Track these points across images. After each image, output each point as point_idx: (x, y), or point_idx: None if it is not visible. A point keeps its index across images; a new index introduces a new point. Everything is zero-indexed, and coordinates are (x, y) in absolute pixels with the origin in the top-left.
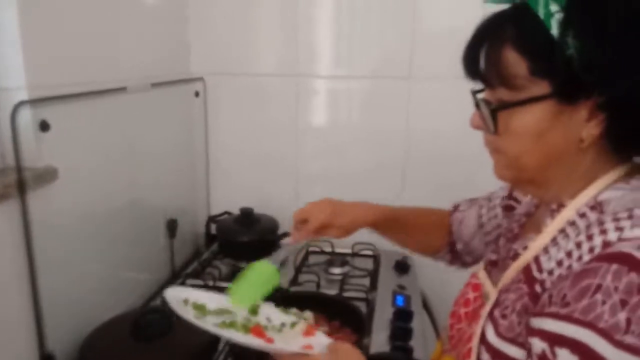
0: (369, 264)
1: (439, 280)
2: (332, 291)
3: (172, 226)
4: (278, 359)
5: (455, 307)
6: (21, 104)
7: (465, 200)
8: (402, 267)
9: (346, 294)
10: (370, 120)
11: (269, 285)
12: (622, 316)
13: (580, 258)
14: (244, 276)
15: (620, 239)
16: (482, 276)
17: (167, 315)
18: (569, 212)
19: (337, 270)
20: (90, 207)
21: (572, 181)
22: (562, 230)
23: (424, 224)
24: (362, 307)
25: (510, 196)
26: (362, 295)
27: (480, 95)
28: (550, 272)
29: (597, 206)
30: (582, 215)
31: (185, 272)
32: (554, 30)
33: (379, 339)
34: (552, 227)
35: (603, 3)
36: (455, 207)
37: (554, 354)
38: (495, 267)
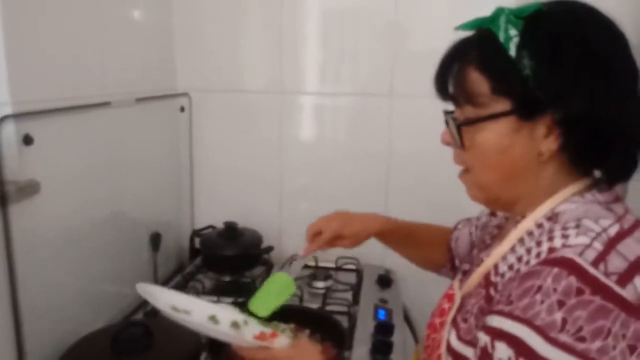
0: (352, 278)
1: (421, 294)
2: (315, 305)
3: (155, 240)
4: (239, 352)
5: (432, 318)
6: (5, 118)
7: (463, 219)
8: (384, 281)
9: (328, 308)
10: (354, 138)
11: (285, 294)
12: (558, 316)
13: (528, 262)
14: (263, 287)
15: (564, 245)
16: (456, 286)
17: (148, 329)
18: (528, 223)
19: (320, 284)
20: (73, 221)
21: (536, 194)
22: (521, 239)
23: (428, 238)
24: (344, 320)
25: (491, 213)
26: (344, 309)
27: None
28: (503, 275)
29: (553, 217)
30: (539, 226)
31: (168, 285)
32: (512, 52)
33: (360, 353)
34: (512, 236)
35: (554, 27)
36: (455, 226)
37: (493, 347)
38: (467, 276)
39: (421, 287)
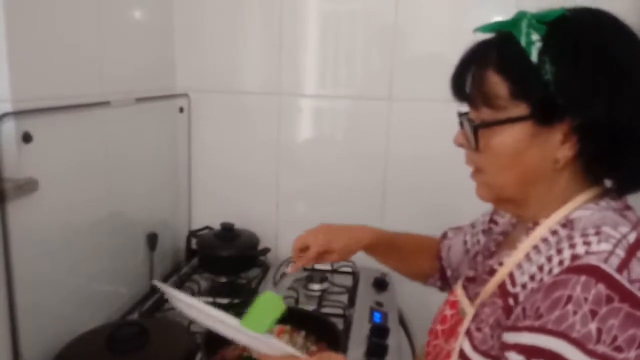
0: (348, 281)
1: (417, 297)
2: (311, 307)
3: (152, 240)
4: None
5: (433, 324)
6: (4, 115)
7: (452, 228)
8: (380, 284)
9: (324, 310)
10: (352, 140)
11: (277, 314)
12: (593, 326)
13: (550, 271)
14: (253, 307)
15: (587, 252)
16: (459, 293)
17: (143, 329)
18: (542, 230)
19: (316, 286)
20: (70, 219)
21: (549, 201)
22: (535, 247)
23: (416, 249)
24: (340, 323)
25: (491, 220)
26: (339, 311)
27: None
28: (524, 286)
29: (567, 224)
30: (554, 233)
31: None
32: (534, 57)
33: (355, 355)
34: (526, 243)
35: (577, 33)
36: (444, 235)
37: None
38: (472, 283)
39: (416, 291)
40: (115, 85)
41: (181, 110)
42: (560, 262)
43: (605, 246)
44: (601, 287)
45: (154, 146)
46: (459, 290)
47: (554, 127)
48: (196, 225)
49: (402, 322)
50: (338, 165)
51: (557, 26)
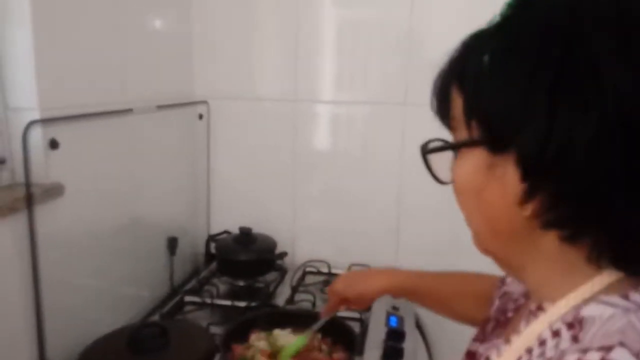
0: None
1: None
2: None
3: (172, 244)
4: None
5: None
6: (33, 123)
7: None
8: None
9: (341, 314)
10: (368, 146)
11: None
12: None
13: None
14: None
15: None
16: None
17: (164, 330)
18: (541, 325)
19: None
20: (94, 224)
21: (545, 273)
22: (529, 351)
23: (461, 293)
24: (356, 326)
25: None
26: (356, 315)
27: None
28: None
29: (576, 324)
30: (556, 334)
31: (184, 289)
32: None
33: (371, 358)
34: (520, 341)
35: (530, 17)
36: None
37: None
38: None
39: None
40: (137, 93)
41: (200, 117)
42: None
43: None
44: None
45: (174, 152)
46: None
47: (507, 158)
48: (215, 229)
49: (419, 326)
50: (354, 171)
51: (513, 12)
